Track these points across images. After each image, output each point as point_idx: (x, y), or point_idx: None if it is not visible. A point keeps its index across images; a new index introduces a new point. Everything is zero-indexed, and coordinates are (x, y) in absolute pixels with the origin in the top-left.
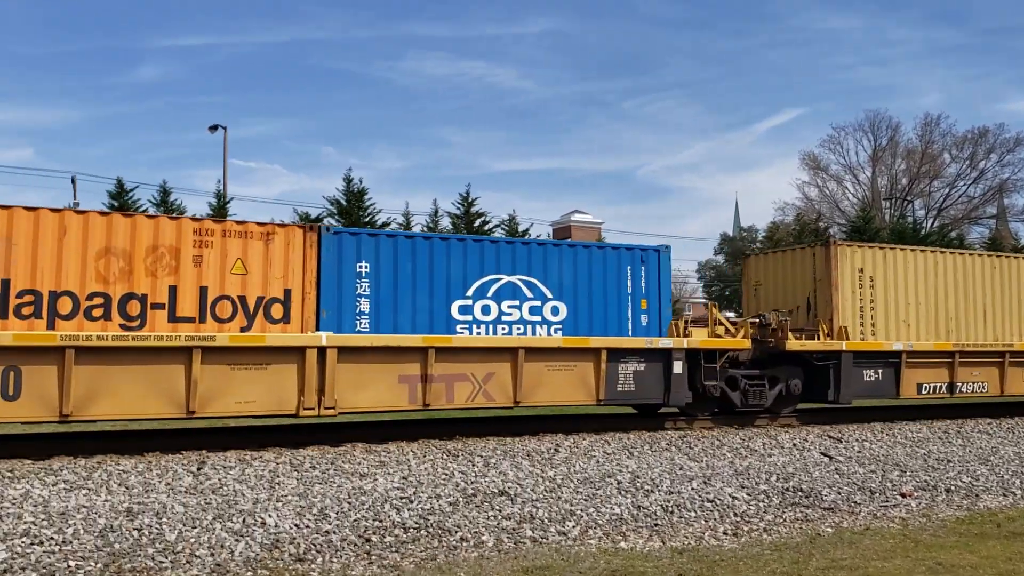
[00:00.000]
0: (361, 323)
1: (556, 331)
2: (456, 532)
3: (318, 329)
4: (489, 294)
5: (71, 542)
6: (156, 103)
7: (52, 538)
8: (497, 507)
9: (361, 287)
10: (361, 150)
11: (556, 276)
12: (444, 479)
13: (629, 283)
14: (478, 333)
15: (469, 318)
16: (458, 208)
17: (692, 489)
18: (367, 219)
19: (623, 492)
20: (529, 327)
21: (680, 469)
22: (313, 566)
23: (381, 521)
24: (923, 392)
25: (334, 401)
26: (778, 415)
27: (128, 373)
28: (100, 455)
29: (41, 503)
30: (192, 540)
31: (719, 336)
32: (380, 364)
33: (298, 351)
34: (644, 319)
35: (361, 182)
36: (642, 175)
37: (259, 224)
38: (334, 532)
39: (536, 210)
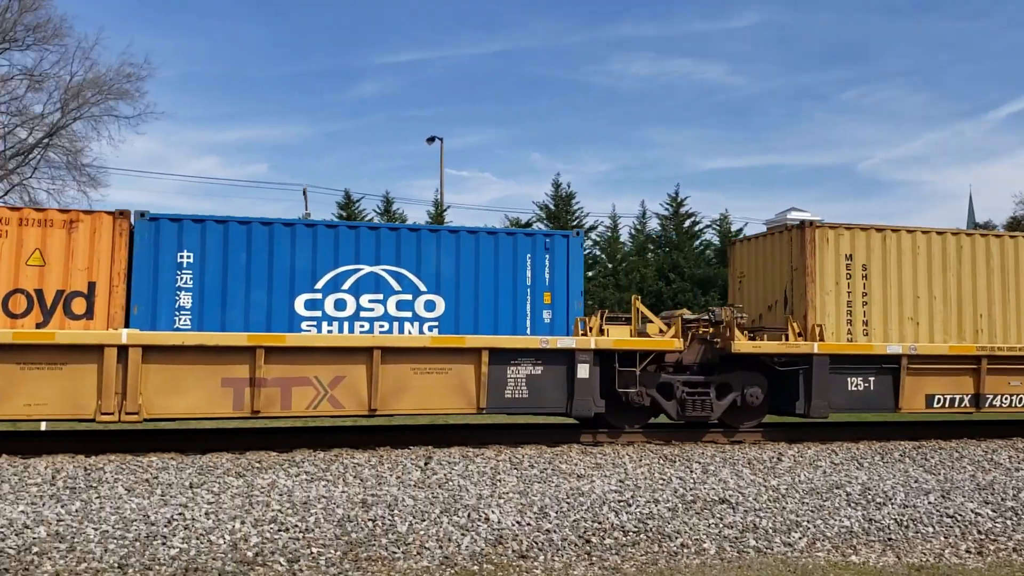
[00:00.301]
0: (180, 319)
1: (432, 329)
2: (676, 538)
3: (127, 326)
4: (345, 287)
5: (313, 530)
6: (376, 118)
7: (296, 525)
8: (718, 515)
9: (182, 279)
10: (567, 154)
11: (433, 266)
12: (662, 484)
13: (529, 274)
14: (329, 331)
15: (318, 314)
16: (666, 209)
17: (929, 503)
18: (575, 222)
19: (852, 504)
20: (396, 324)
21: (915, 482)
22: (536, 563)
23: (600, 523)
24: (936, 405)
25: (138, 406)
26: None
27: None
28: (337, 448)
29: (286, 493)
30: (421, 532)
31: (645, 335)
32: (199, 366)
33: (96, 350)
34: (547, 315)
35: (569, 186)
36: (863, 169)
37: (62, 211)
38: (554, 531)
39: (748, 209)
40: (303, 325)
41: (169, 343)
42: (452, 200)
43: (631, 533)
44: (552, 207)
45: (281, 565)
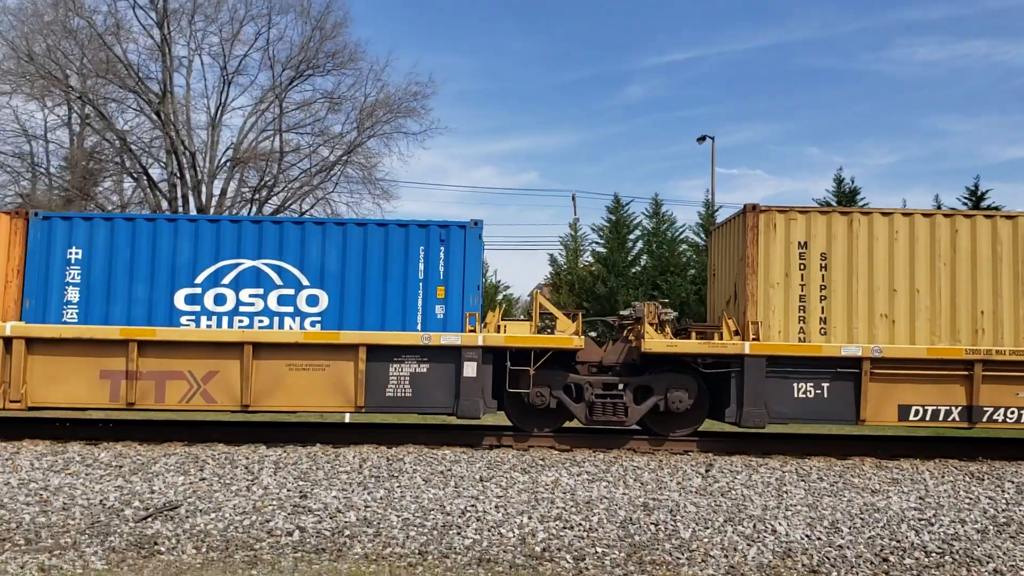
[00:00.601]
0: (68, 313)
1: (314, 324)
2: (987, 563)
3: (21, 319)
4: (225, 281)
5: (596, 529)
6: (644, 120)
7: (580, 524)
8: None
9: (70, 275)
10: (848, 147)
11: (317, 260)
12: (968, 503)
13: (422, 267)
14: (208, 325)
15: (197, 308)
16: (965, 203)
17: None
18: None
19: None
20: (276, 319)
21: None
22: None
23: (898, 541)
24: (913, 417)
25: (21, 395)
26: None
27: None
28: (616, 450)
29: (569, 491)
30: (705, 540)
31: (547, 332)
32: (79, 358)
33: None
34: (440, 311)
35: (852, 181)
36: None
37: None
38: (848, 547)
39: None
40: (182, 320)
41: (49, 335)
42: (723, 200)
43: (934, 554)
44: (834, 203)
45: (568, 562)
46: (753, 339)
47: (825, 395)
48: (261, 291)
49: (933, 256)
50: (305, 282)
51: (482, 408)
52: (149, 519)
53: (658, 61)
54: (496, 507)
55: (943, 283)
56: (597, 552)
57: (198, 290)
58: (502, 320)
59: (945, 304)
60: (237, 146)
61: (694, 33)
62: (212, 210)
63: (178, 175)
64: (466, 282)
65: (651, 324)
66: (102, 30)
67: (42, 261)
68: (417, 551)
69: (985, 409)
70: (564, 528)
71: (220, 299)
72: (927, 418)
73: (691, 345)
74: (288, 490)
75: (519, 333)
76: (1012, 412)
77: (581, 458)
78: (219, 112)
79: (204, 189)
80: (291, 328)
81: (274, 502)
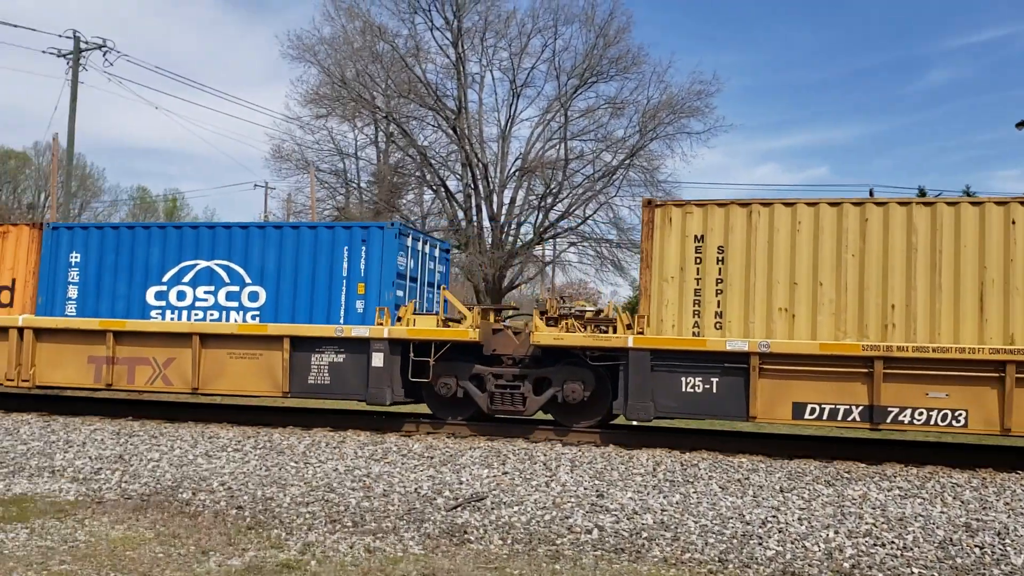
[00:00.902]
0: (69, 308)
1: (253, 318)
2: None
3: (36, 313)
4: (185, 280)
5: (911, 548)
6: (948, 107)
7: (893, 542)
8: None
9: (72, 276)
10: None
11: (258, 260)
12: None
13: (345, 266)
14: (171, 318)
15: (164, 304)
16: None
17: None
18: None
19: None
20: (224, 313)
21: None
22: None
23: None
24: (809, 416)
25: (30, 375)
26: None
27: None
28: (931, 465)
29: (879, 506)
30: None
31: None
32: (74, 345)
33: (3, 331)
34: (360, 305)
35: None
36: None
37: None
38: None
39: None
40: (152, 313)
41: (50, 326)
42: None
43: None
44: None
45: None
46: (638, 333)
47: (714, 390)
48: (213, 288)
49: (840, 247)
50: (248, 280)
51: (389, 396)
52: (458, 508)
53: (963, 42)
54: (799, 519)
55: (850, 275)
56: (913, 572)
57: (164, 287)
58: (413, 314)
59: (852, 298)
60: (525, 156)
61: (1006, 9)
62: (503, 218)
63: (472, 186)
64: (383, 279)
65: (553, 317)
66: (403, 52)
67: (51, 264)
68: (716, 558)
69: (889, 409)
70: (875, 545)
71: (181, 295)
72: (824, 417)
73: (577, 338)
74: (585, 488)
75: (417, 327)
76: (921, 413)
77: (891, 472)
78: (508, 124)
79: (495, 199)
80: (236, 321)
81: (572, 499)
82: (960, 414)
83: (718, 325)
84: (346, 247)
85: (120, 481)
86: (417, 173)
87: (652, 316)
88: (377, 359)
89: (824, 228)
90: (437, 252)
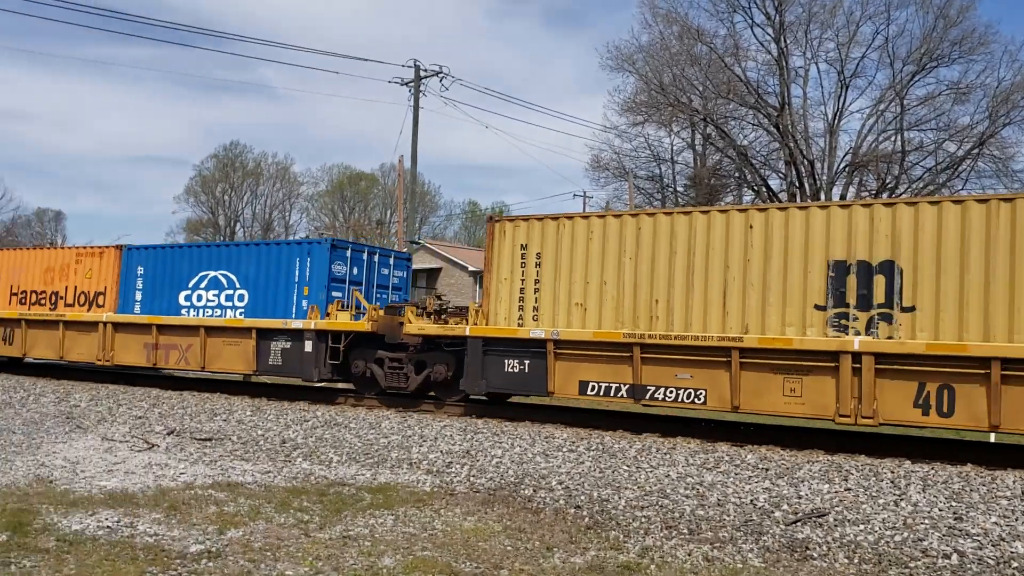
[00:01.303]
0: (136, 308)
1: (241, 314)
2: None
3: (118, 311)
4: (202, 286)
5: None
6: None
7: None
8: None
9: (139, 284)
10: None
11: (245, 270)
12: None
13: (296, 273)
14: (193, 315)
15: (189, 304)
16: None
17: None
18: None
19: None
20: (224, 311)
21: None
22: None
23: None
24: (590, 392)
25: (110, 357)
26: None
27: None
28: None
29: None
30: None
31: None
32: (136, 335)
33: (95, 324)
34: (305, 304)
35: None
36: None
37: (98, 247)
38: None
39: None
40: (182, 311)
41: (121, 320)
42: None
43: None
44: None
45: None
46: (473, 324)
47: (527, 370)
48: (217, 291)
49: (620, 252)
50: (239, 285)
51: (316, 374)
52: (798, 523)
53: None
54: None
55: (627, 275)
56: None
57: (189, 291)
58: (338, 311)
59: (628, 293)
60: (855, 150)
61: None
62: None
63: (797, 185)
64: (318, 283)
65: (430, 312)
66: (722, 53)
67: (127, 276)
68: None
69: (648, 387)
70: None
71: (199, 297)
72: (601, 393)
73: (433, 328)
74: (940, 509)
75: (340, 321)
76: (671, 391)
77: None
78: (836, 118)
79: (822, 196)
80: (231, 317)
81: (925, 520)
82: (701, 393)
83: (535, 318)
84: (298, 259)
85: (468, 475)
86: (736, 174)
87: (490, 311)
88: (308, 346)
89: (609, 237)
90: (392, 261)
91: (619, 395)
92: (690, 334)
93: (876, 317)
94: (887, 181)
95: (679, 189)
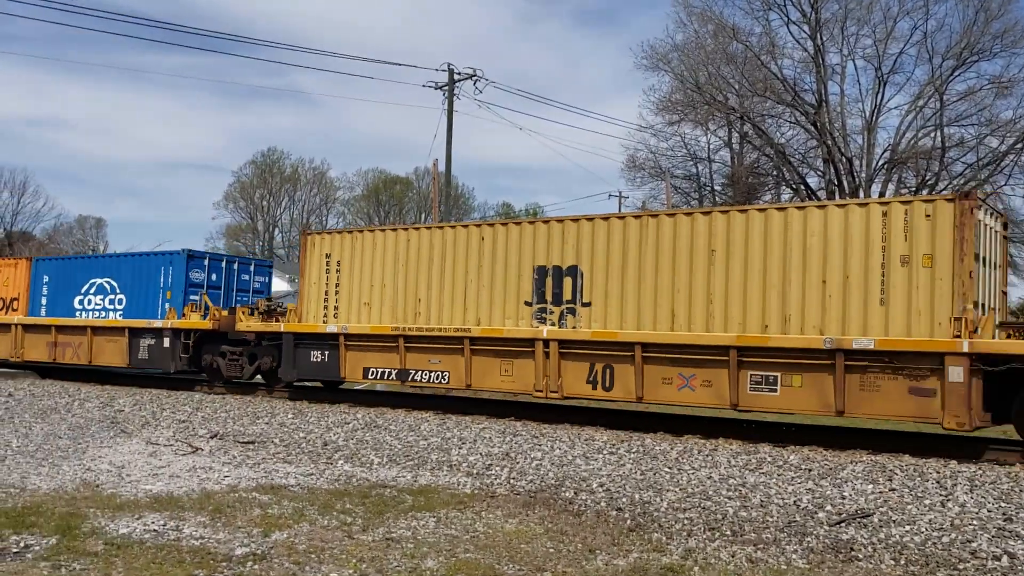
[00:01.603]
0: (42, 311)
1: (119, 315)
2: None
3: (28, 315)
4: (92, 291)
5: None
6: None
7: None
8: None
9: (44, 291)
10: None
11: (124, 277)
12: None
13: (161, 280)
14: (84, 317)
15: (81, 307)
16: None
17: None
18: None
19: None
20: (108, 313)
21: None
22: None
23: None
24: (371, 376)
25: (21, 353)
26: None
27: None
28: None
29: None
30: None
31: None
32: (41, 335)
33: (9, 326)
34: (168, 307)
35: None
36: None
37: (12, 260)
38: None
39: None
40: (76, 314)
41: (26, 322)
42: None
43: None
44: None
45: None
46: (288, 322)
47: (326, 360)
48: (102, 296)
49: (396, 260)
50: (119, 290)
51: (173, 366)
52: (842, 524)
53: None
54: None
55: (400, 279)
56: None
57: (83, 296)
58: (192, 312)
59: (401, 294)
60: (894, 147)
61: None
62: None
63: (835, 182)
64: (177, 288)
65: (256, 312)
66: (757, 51)
67: (35, 283)
68: None
69: (410, 371)
70: None
71: (89, 301)
72: (378, 377)
73: (257, 325)
74: (988, 511)
75: (192, 320)
76: (425, 374)
77: None
78: (874, 115)
79: (861, 194)
80: (113, 318)
81: (974, 521)
82: (445, 374)
83: (336, 315)
84: (162, 267)
85: (508, 477)
86: (774, 172)
87: (303, 311)
88: (166, 342)
89: (388, 248)
90: (252, 268)
91: (389, 378)
92: (437, 327)
93: (565, 311)
94: (927, 178)
95: (716, 188)
